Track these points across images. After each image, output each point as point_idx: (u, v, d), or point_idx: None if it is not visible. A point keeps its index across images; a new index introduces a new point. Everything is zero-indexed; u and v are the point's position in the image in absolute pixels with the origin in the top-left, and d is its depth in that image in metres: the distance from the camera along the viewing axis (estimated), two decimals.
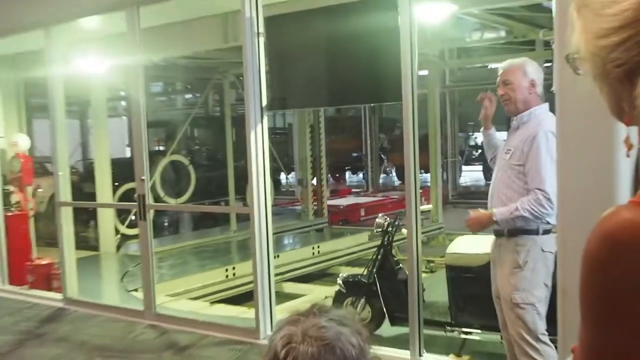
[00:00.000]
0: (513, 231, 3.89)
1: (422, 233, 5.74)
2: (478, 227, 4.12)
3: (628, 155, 1.01)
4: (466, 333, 5.61)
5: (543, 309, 3.86)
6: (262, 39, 5.79)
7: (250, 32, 5.75)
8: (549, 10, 7.90)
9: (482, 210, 4.10)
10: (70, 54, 8.20)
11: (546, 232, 3.83)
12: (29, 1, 7.62)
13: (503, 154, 4.08)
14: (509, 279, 3.87)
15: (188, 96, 19.58)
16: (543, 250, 3.81)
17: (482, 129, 4.53)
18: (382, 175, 21.58)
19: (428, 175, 12.63)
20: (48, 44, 7.40)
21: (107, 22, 7.29)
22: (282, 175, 17.52)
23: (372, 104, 14.84)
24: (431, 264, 9.36)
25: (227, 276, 8.84)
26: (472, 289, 5.41)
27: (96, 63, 9.22)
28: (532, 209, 3.77)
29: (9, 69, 9.57)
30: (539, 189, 3.78)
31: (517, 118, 4.03)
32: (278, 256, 8.81)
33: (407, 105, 5.04)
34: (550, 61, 8.52)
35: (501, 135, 4.61)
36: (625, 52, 0.89)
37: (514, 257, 3.86)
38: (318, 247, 10.57)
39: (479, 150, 22.03)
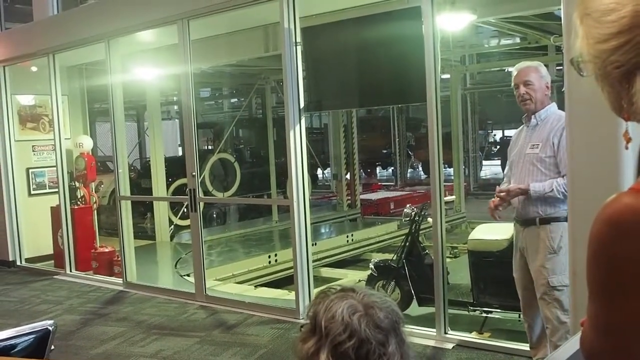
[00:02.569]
0: (546, 219, 3.86)
1: (446, 222, 5.72)
2: (507, 196, 4.01)
3: (627, 148, 1.02)
4: (487, 312, 5.58)
5: None
6: (299, 48, 5.83)
7: (288, 41, 5.80)
8: (560, 18, 7.83)
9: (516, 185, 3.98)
10: (128, 63, 8.32)
11: None
12: (91, 18, 7.78)
13: (528, 149, 3.98)
14: (545, 264, 3.83)
15: (233, 100, 19.69)
16: None
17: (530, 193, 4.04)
18: (409, 170, 21.51)
19: (451, 169, 12.57)
20: (108, 55, 7.53)
21: (160, 34, 7.39)
22: (319, 171, 17.53)
23: (399, 105, 14.76)
24: (455, 250, 9.32)
25: (269, 262, 8.89)
26: (492, 272, 5.38)
27: (150, 71, 9.36)
28: (565, 190, 3.76)
29: (75, 78, 9.74)
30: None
31: (536, 116, 3.98)
32: (315, 244, 8.84)
33: (432, 106, 5.04)
34: (561, 64, 8.41)
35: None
36: (623, 55, 0.91)
37: (548, 244, 3.82)
38: (352, 235, 10.58)
39: (497, 147, 21.83)
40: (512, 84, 4.12)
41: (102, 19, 7.60)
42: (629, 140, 1.01)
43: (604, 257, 0.96)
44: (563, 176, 3.79)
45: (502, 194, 4.02)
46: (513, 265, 4.21)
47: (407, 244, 6.14)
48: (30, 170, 9.45)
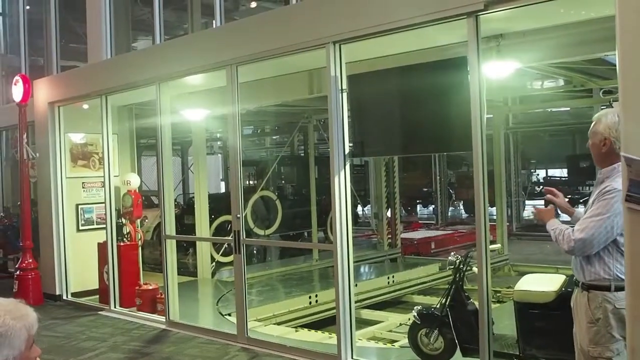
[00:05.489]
0: (586, 285, 3.62)
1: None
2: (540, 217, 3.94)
3: None
4: None
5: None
6: (345, 94, 5.87)
7: (335, 88, 5.85)
8: (607, 63, 7.75)
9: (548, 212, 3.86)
10: (176, 103, 8.49)
11: (618, 289, 3.47)
12: (144, 63, 7.99)
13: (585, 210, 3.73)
14: (586, 332, 3.62)
15: (275, 137, 19.88)
16: (616, 307, 3.48)
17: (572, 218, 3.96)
18: (450, 209, 21.30)
19: (493, 209, 12.41)
20: (158, 97, 7.71)
21: (208, 77, 7.54)
22: (359, 208, 17.49)
23: (443, 153, 14.70)
24: (498, 294, 9.14)
25: (310, 303, 8.85)
26: (538, 324, 5.26)
27: (197, 111, 9.53)
28: (557, 236, 3.62)
29: (124, 118, 9.99)
30: (573, 231, 3.56)
31: (604, 172, 3.61)
32: (357, 285, 8.77)
33: (478, 155, 5.00)
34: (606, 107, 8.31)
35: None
36: None
37: (587, 313, 3.60)
38: (393, 276, 10.48)
39: (541, 187, 21.50)
40: None
41: (154, 64, 7.81)
42: None
43: None
44: (573, 229, 3.56)
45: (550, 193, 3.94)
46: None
47: (451, 291, 6.05)
48: (80, 207, 9.66)
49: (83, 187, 9.71)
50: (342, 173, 5.92)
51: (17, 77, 9.80)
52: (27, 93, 9.55)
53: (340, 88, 5.85)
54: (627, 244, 3.26)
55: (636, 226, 3.18)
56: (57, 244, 9.47)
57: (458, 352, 5.83)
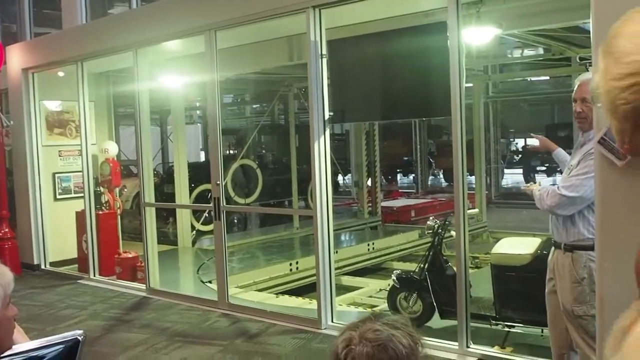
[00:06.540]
0: (569, 246, 3.71)
1: (468, 232, 5.71)
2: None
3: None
4: (509, 326, 5.58)
5: None
6: (325, 60, 5.87)
7: (314, 54, 5.85)
8: (586, 31, 7.81)
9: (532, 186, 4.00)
10: (154, 71, 8.42)
11: None
12: (120, 28, 7.90)
13: (565, 172, 3.83)
14: (570, 292, 3.70)
15: (255, 106, 19.79)
16: None
17: (552, 154, 4.31)
18: (430, 177, 21.47)
19: (473, 177, 12.54)
20: (136, 64, 7.64)
21: (186, 43, 7.48)
22: (340, 177, 17.55)
23: (422, 118, 14.78)
24: (476, 260, 9.30)
25: (290, 270, 8.93)
26: (515, 286, 5.39)
27: (176, 78, 9.46)
28: (542, 194, 3.74)
29: (101, 85, 9.88)
30: (559, 187, 3.67)
31: (586, 135, 3.72)
32: (337, 252, 8.84)
33: (456, 120, 5.06)
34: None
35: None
36: (632, 94, 0.98)
37: (572, 273, 3.68)
38: (373, 243, 10.60)
39: (520, 155, 21.73)
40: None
41: (131, 29, 7.72)
42: (626, 165, 1.12)
43: None
44: (559, 187, 3.68)
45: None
46: (546, 283, 4.04)
47: (430, 256, 6.15)
48: (57, 175, 9.60)
49: (60, 156, 9.63)
50: (321, 139, 5.95)
51: None
52: (0, 59, 9.40)
53: (320, 53, 5.85)
54: (597, 192, 3.40)
55: (605, 173, 3.31)
56: (34, 214, 9.42)
57: (436, 315, 5.96)
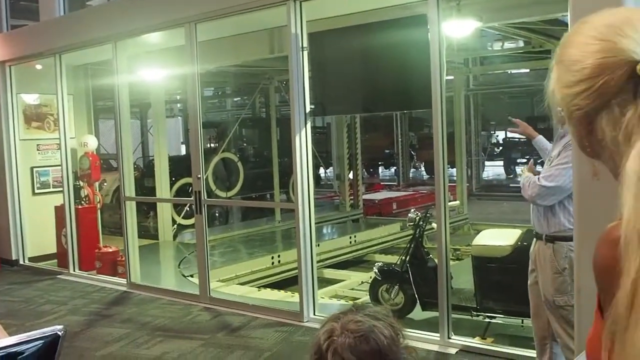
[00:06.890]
0: (550, 237, 3.76)
1: (449, 224, 5.75)
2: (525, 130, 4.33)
3: (597, 179, 1.16)
4: (490, 317, 5.64)
5: None
6: (306, 53, 5.86)
7: (295, 46, 5.84)
8: (565, 24, 7.87)
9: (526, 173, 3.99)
10: (134, 64, 8.36)
11: None
12: (99, 20, 7.81)
13: (547, 163, 3.87)
14: (551, 283, 3.75)
15: (236, 99, 19.72)
16: None
17: (533, 141, 4.35)
18: (411, 170, 21.58)
19: (454, 170, 12.62)
20: (115, 57, 7.58)
21: (166, 36, 7.43)
22: (322, 170, 17.56)
23: (403, 111, 14.82)
24: (457, 252, 9.37)
25: (272, 263, 8.94)
26: (495, 277, 5.44)
27: (156, 71, 9.40)
28: (524, 182, 3.79)
29: (80, 78, 9.78)
30: (539, 178, 3.72)
31: (565, 127, 3.61)
32: (318, 245, 8.86)
33: (437, 113, 5.08)
34: None
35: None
36: (583, 100, 1.03)
37: (553, 264, 3.73)
38: (355, 236, 10.63)
39: (500, 147, 21.89)
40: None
41: (110, 21, 7.64)
42: (596, 172, 1.16)
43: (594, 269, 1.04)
44: (539, 178, 3.72)
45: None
46: (528, 275, 4.07)
47: (411, 248, 6.19)
48: (35, 169, 9.49)
49: (38, 150, 9.52)
50: (303, 132, 5.95)
51: None
52: None
53: (301, 46, 5.84)
54: (575, 183, 3.45)
55: (583, 164, 3.36)
56: (12, 208, 9.31)
57: (418, 307, 6.00)
